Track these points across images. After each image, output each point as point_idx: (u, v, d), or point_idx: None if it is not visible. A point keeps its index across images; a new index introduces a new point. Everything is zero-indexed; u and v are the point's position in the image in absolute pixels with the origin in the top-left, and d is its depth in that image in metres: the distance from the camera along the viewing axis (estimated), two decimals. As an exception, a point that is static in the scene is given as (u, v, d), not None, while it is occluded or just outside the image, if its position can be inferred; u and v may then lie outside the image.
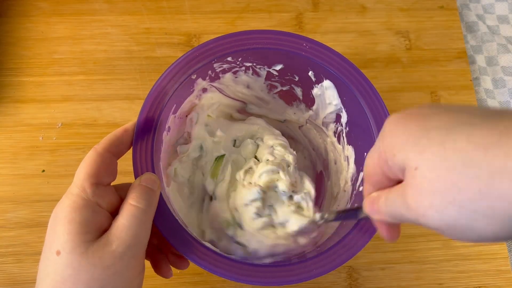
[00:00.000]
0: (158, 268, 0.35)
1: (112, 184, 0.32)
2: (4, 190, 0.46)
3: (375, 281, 0.45)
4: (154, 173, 0.33)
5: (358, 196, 0.37)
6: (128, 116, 0.49)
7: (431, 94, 0.53)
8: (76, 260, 0.27)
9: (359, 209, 0.29)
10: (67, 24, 0.53)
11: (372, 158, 0.25)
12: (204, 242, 0.33)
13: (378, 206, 0.25)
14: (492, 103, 0.53)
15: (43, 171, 0.47)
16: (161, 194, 0.33)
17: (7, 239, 0.45)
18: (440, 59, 0.54)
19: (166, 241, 0.36)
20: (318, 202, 0.44)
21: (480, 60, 0.55)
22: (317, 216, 0.36)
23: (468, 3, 0.58)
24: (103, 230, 0.29)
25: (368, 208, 0.27)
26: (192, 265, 0.41)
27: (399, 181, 0.24)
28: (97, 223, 0.28)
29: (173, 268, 0.36)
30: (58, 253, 0.27)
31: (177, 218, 0.33)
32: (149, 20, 0.54)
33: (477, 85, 0.54)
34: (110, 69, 0.51)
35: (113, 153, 0.31)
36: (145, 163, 0.34)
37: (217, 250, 0.34)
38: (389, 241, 0.27)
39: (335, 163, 0.44)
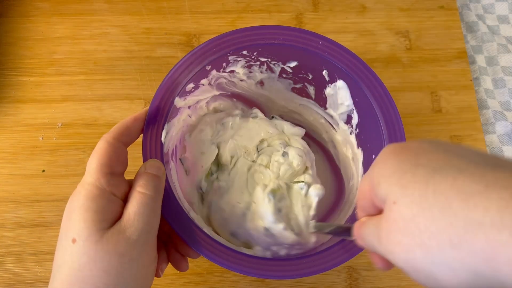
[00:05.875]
0: None
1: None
2: (4, 190, 0.46)
3: (375, 281, 0.45)
4: (157, 158, 0.34)
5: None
6: (128, 116, 0.49)
7: (431, 94, 0.53)
8: (92, 248, 0.27)
9: (350, 229, 0.29)
10: (67, 24, 0.53)
11: (363, 184, 0.25)
12: (208, 232, 0.33)
13: (361, 232, 0.25)
14: (492, 103, 0.53)
15: (43, 171, 0.47)
16: (167, 181, 0.33)
17: (7, 239, 0.45)
18: (440, 59, 0.54)
19: (171, 237, 0.36)
20: (339, 206, 0.44)
21: (480, 60, 0.55)
22: (311, 224, 0.36)
23: (468, 3, 0.58)
24: (117, 219, 0.29)
25: (355, 232, 0.27)
26: (192, 265, 0.41)
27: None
28: (112, 211, 0.29)
29: (174, 269, 0.36)
30: (74, 241, 0.27)
31: (183, 206, 0.34)
32: (149, 20, 0.54)
33: (477, 85, 0.54)
34: (110, 69, 0.51)
35: (122, 142, 0.32)
36: (155, 152, 0.34)
37: (221, 241, 0.34)
38: (382, 270, 0.26)
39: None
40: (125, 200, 0.30)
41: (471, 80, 0.53)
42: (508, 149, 0.51)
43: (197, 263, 0.44)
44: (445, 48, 0.55)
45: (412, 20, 0.56)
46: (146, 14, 0.54)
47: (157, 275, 0.34)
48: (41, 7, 0.53)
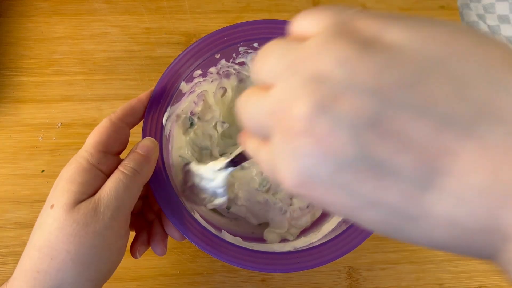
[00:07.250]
0: (133, 242, 0.36)
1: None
2: (4, 190, 0.46)
3: (375, 281, 0.45)
4: (156, 139, 0.34)
5: None
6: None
7: (432, 94, 0.53)
8: (63, 215, 0.28)
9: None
10: (67, 24, 0.53)
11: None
12: (197, 218, 0.34)
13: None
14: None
15: (43, 171, 0.47)
16: (163, 162, 0.34)
17: (7, 239, 0.45)
18: (440, 59, 0.54)
19: (159, 216, 0.36)
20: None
21: (481, 60, 0.55)
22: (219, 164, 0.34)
23: (469, 3, 0.58)
24: None
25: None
26: (192, 265, 0.41)
27: None
28: (95, 186, 0.30)
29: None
30: (52, 206, 0.29)
31: (175, 188, 0.34)
32: (149, 20, 0.54)
33: (478, 85, 0.54)
34: (110, 69, 0.51)
35: (126, 122, 0.33)
36: (154, 132, 0.34)
37: (210, 229, 0.34)
38: None
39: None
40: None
41: (471, 80, 0.53)
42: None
43: (197, 263, 0.44)
44: (446, 48, 0.55)
45: (413, 20, 0.56)
46: (146, 14, 0.54)
47: (134, 256, 0.35)
48: (41, 7, 0.53)
